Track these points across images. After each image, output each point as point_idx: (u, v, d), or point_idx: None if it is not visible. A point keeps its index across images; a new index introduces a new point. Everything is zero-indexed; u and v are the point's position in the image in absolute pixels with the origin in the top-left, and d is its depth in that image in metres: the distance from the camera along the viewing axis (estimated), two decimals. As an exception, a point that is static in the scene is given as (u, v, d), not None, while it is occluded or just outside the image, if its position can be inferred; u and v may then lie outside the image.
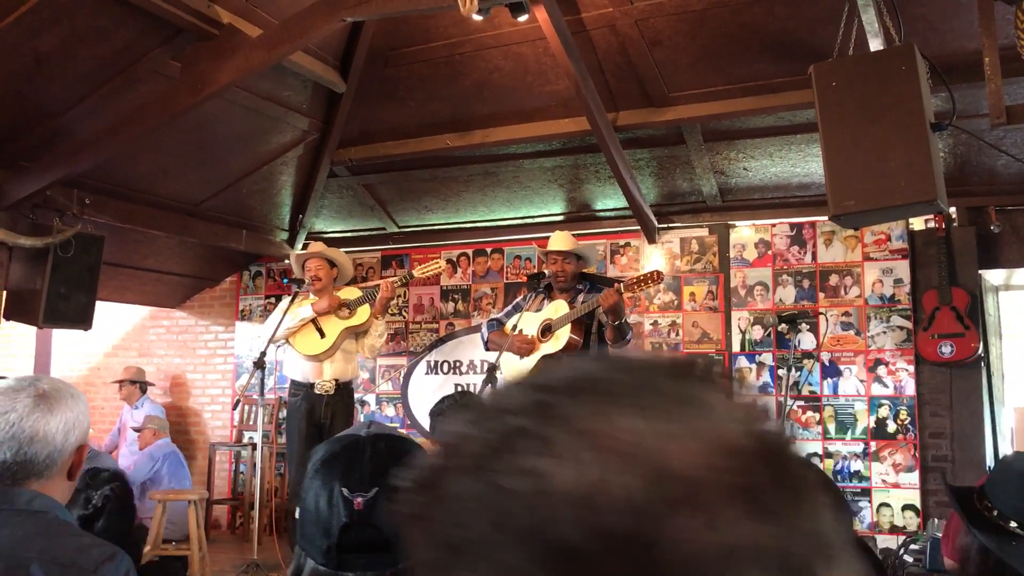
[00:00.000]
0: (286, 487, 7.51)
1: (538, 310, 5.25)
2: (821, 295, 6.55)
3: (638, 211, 6.75)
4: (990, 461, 6.00)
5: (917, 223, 6.38)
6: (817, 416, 6.45)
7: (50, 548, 1.55)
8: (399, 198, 7.67)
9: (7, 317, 5.89)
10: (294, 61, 5.75)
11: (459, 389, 7.26)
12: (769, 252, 6.76)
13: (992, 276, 6.44)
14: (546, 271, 5.31)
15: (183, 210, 7.02)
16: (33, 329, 7.23)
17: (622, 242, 7.25)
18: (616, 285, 4.85)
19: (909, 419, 6.21)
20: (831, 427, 6.40)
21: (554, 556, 0.41)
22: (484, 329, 5.52)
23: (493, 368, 4.81)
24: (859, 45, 4.21)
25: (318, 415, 5.62)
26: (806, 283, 6.61)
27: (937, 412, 6.19)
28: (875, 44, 4.29)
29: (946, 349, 5.98)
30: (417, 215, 7.84)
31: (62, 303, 5.90)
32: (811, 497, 0.47)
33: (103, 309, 7.76)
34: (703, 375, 0.49)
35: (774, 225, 6.78)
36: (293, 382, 5.89)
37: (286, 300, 5.89)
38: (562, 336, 5.00)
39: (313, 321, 5.80)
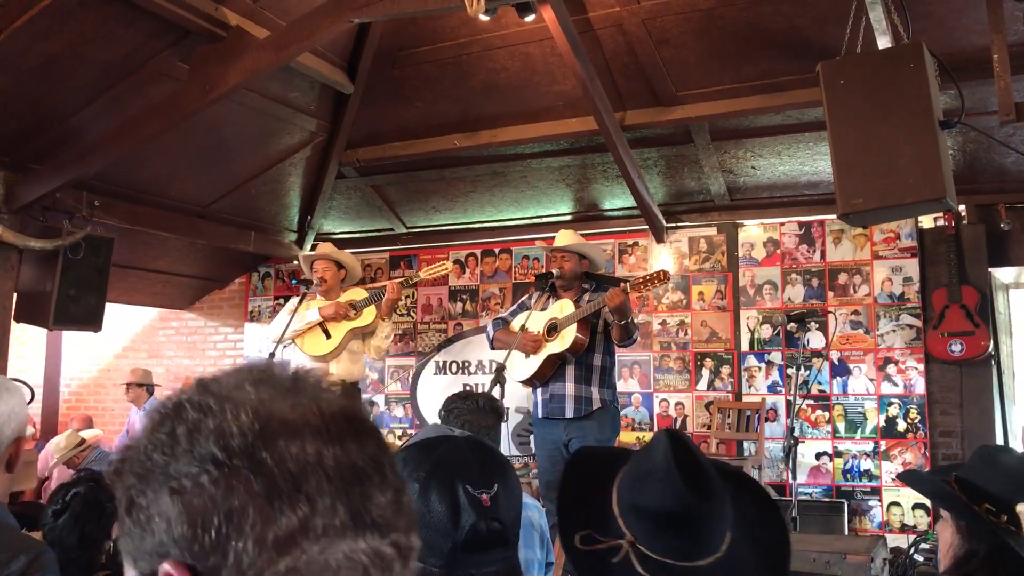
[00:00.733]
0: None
1: (544, 309, 5.25)
2: (830, 294, 6.54)
3: (646, 210, 6.74)
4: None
5: (926, 221, 6.36)
6: (827, 415, 6.43)
7: None
8: (407, 199, 7.67)
9: (17, 319, 5.91)
10: (301, 62, 5.75)
11: (466, 389, 7.26)
12: (778, 251, 6.75)
13: (1002, 274, 6.41)
14: (552, 270, 5.31)
15: (192, 212, 7.03)
16: (43, 331, 7.26)
17: (630, 241, 7.24)
18: (622, 285, 4.84)
19: (919, 418, 6.19)
20: (841, 426, 6.39)
21: (209, 462, 0.73)
22: (490, 328, 5.52)
23: (501, 368, 4.81)
24: (867, 43, 4.19)
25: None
26: (815, 282, 6.60)
27: (947, 411, 6.16)
28: (883, 42, 4.27)
29: (956, 347, 5.96)
30: (425, 215, 7.84)
31: (72, 305, 5.92)
32: (368, 435, 0.79)
33: (113, 311, 7.79)
34: (298, 374, 0.82)
35: (783, 224, 6.77)
36: (301, 383, 5.88)
37: (294, 300, 5.90)
38: (568, 335, 5.00)
39: (320, 323, 5.81)
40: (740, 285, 6.81)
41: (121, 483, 0.77)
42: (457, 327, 7.75)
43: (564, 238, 5.27)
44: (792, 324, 6.42)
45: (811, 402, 6.46)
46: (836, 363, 6.45)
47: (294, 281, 6.38)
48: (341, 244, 7.48)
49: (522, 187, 7.18)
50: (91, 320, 6.12)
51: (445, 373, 7.73)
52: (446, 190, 7.42)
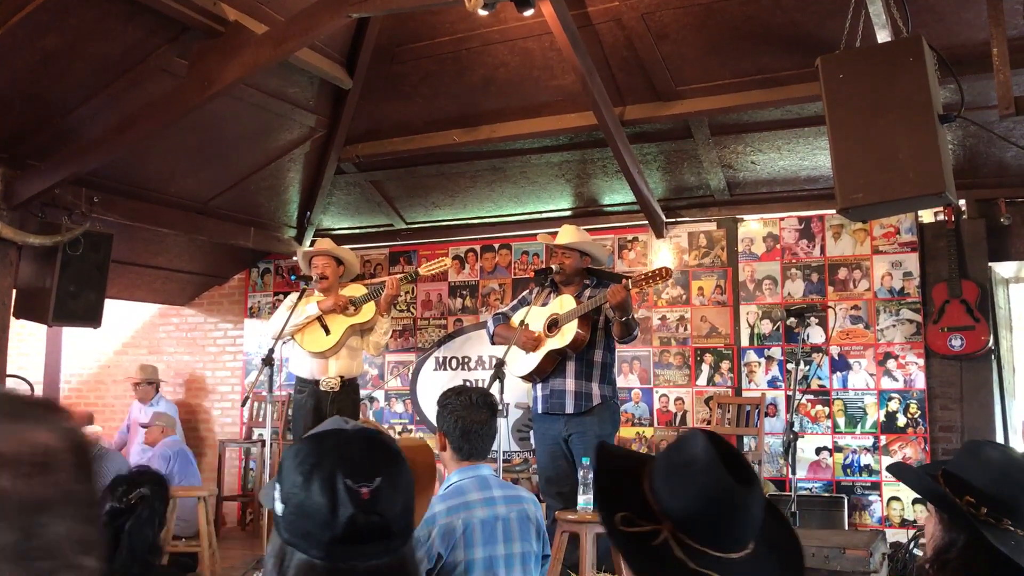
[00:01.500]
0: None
1: (544, 304, 5.24)
2: (830, 289, 6.53)
3: (646, 206, 6.74)
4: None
5: (926, 216, 6.35)
6: (827, 410, 6.43)
7: None
8: (406, 194, 7.67)
9: (17, 315, 5.91)
10: (300, 58, 5.74)
11: (464, 384, 7.26)
12: (778, 246, 6.74)
13: (1002, 268, 6.40)
14: (552, 266, 5.30)
15: (191, 208, 7.03)
16: (43, 327, 7.26)
17: (630, 237, 7.24)
18: (624, 281, 4.83)
19: (919, 413, 6.19)
20: (841, 421, 6.39)
21: None
22: (490, 323, 5.51)
23: (500, 363, 4.81)
24: (866, 37, 4.17)
25: (324, 412, 5.62)
26: (815, 277, 6.59)
27: (947, 405, 6.16)
28: (882, 36, 4.26)
29: (956, 342, 5.96)
30: (425, 211, 7.84)
31: (71, 301, 5.92)
32: (61, 468, 0.90)
33: (113, 307, 7.79)
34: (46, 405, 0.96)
35: (782, 219, 6.76)
36: (299, 379, 5.90)
37: (293, 296, 5.90)
38: (568, 331, 4.99)
39: (319, 318, 5.81)
40: (740, 280, 6.81)
41: None
42: (457, 323, 7.75)
43: (567, 234, 5.26)
44: (792, 319, 6.43)
45: (811, 397, 6.46)
46: (836, 358, 6.45)
47: (293, 277, 6.37)
48: (340, 240, 7.48)
49: (521, 183, 7.17)
50: (90, 316, 6.11)
51: (445, 369, 7.74)
52: (445, 186, 7.41)
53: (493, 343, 5.49)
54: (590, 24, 5.57)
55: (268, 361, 5.36)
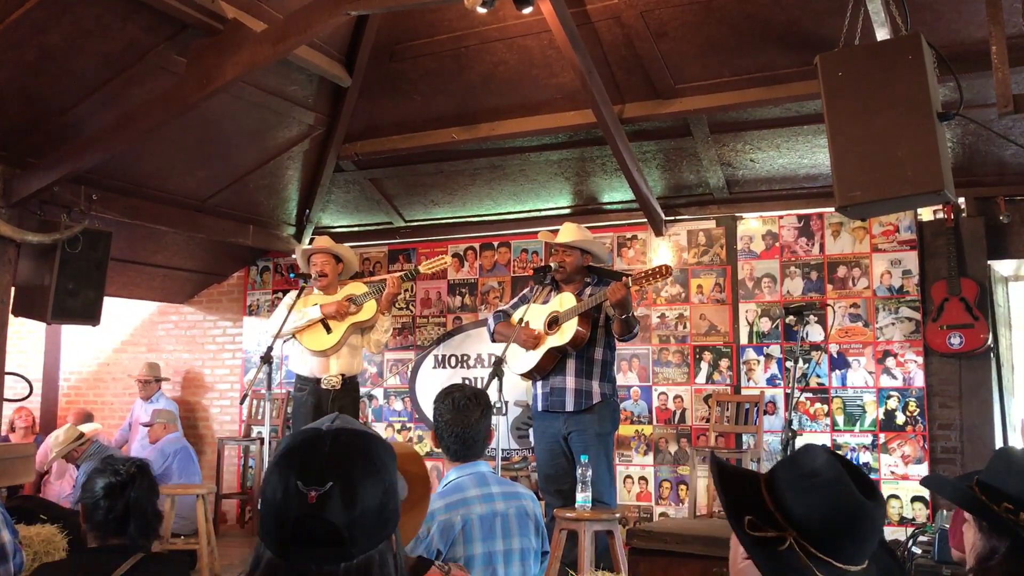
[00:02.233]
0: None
1: (545, 302, 5.23)
2: (829, 287, 6.53)
3: (645, 204, 6.74)
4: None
5: (926, 214, 6.35)
6: (825, 408, 6.43)
7: None
8: (405, 192, 7.67)
9: (16, 313, 5.90)
10: (299, 56, 5.74)
11: (459, 382, 7.26)
12: (777, 244, 6.74)
13: (1001, 267, 6.40)
14: (552, 263, 5.29)
15: (190, 206, 7.03)
16: (42, 325, 7.26)
17: (629, 235, 7.24)
18: (624, 279, 4.83)
19: (918, 411, 6.19)
20: (839, 419, 6.39)
21: None
22: (490, 321, 5.50)
23: (499, 361, 4.80)
24: (865, 35, 4.18)
25: (325, 410, 5.62)
26: (814, 275, 6.59)
27: (946, 403, 6.17)
28: (881, 34, 4.26)
29: (955, 340, 5.96)
30: (424, 209, 7.84)
31: (70, 299, 5.91)
32: None
33: (112, 305, 7.80)
34: None
35: (782, 217, 6.76)
36: (299, 377, 5.89)
37: (292, 295, 5.89)
38: (568, 329, 4.99)
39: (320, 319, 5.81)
40: (739, 278, 6.81)
41: None
42: (456, 321, 7.75)
43: (568, 232, 5.25)
44: (791, 317, 6.43)
45: (810, 395, 6.46)
46: (835, 356, 6.45)
47: (292, 275, 6.37)
48: (339, 238, 7.49)
49: (521, 180, 7.17)
50: (89, 314, 6.10)
51: (444, 367, 7.74)
52: (444, 183, 7.41)
53: (494, 340, 5.49)
54: (589, 22, 5.57)
55: (267, 359, 5.36)
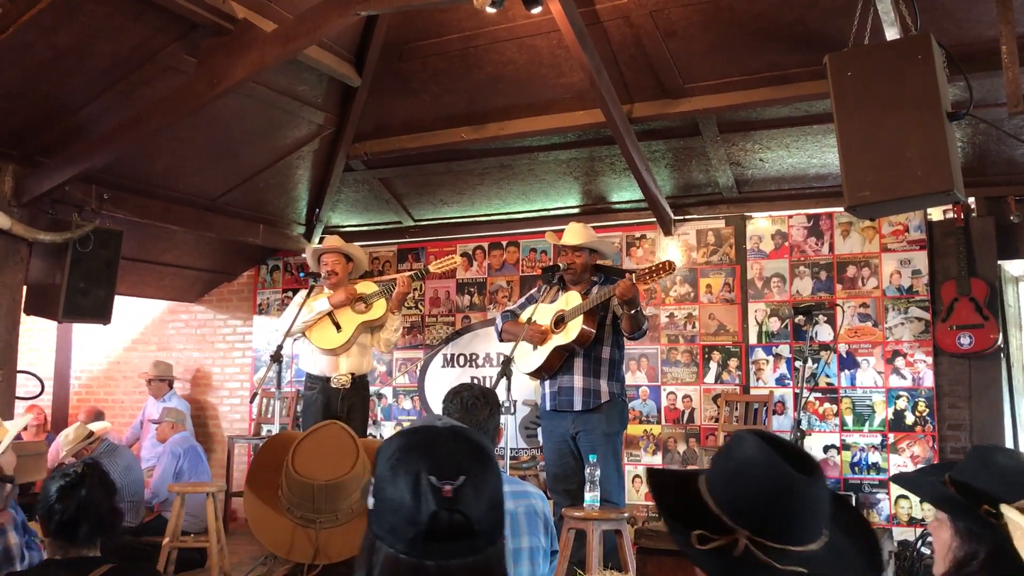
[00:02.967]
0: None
1: (552, 301, 5.24)
2: (838, 286, 6.52)
3: (654, 203, 6.74)
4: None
5: (935, 213, 6.34)
6: (835, 408, 6.42)
7: None
8: (415, 192, 7.68)
9: (27, 311, 5.93)
10: (309, 55, 5.76)
11: (468, 382, 7.27)
12: (786, 243, 6.73)
13: (1011, 267, 6.38)
14: (560, 263, 5.29)
15: (201, 205, 7.06)
16: (54, 323, 7.30)
17: (638, 234, 7.24)
18: (628, 276, 4.84)
19: (927, 411, 6.18)
20: (848, 419, 6.38)
21: None
22: (499, 320, 5.52)
23: (508, 360, 4.81)
24: (875, 34, 4.17)
25: (335, 409, 5.64)
26: (823, 274, 6.58)
27: (956, 404, 6.15)
28: (891, 33, 4.25)
29: (965, 340, 5.94)
30: (433, 208, 7.85)
31: (81, 298, 5.94)
32: None
33: (122, 303, 7.83)
34: None
35: (791, 216, 6.76)
36: (309, 376, 5.91)
37: (302, 294, 5.91)
38: (574, 327, 4.99)
39: (329, 315, 5.82)
40: (748, 278, 6.80)
41: None
42: (465, 320, 7.76)
43: (575, 234, 5.24)
44: (800, 317, 6.41)
45: (819, 395, 6.46)
46: (844, 356, 6.44)
47: (302, 274, 6.38)
48: (349, 237, 7.50)
49: (529, 180, 7.18)
50: (100, 313, 6.13)
51: (453, 366, 7.75)
52: (453, 183, 7.42)
53: (501, 340, 5.50)
54: (598, 22, 5.57)
55: (277, 358, 5.38)
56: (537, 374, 5.22)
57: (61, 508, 2.59)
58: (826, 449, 6.39)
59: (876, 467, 6.25)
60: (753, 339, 6.74)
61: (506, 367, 4.75)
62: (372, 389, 7.74)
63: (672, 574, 4.52)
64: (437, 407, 7.62)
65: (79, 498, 2.60)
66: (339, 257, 5.95)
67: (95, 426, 6.60)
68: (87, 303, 6.00)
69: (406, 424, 7.82)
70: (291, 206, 7.73)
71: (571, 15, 5.19)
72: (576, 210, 7.39)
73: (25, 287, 5.86)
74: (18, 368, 5.88)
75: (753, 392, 6.66)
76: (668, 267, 4.86)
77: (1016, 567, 1.65)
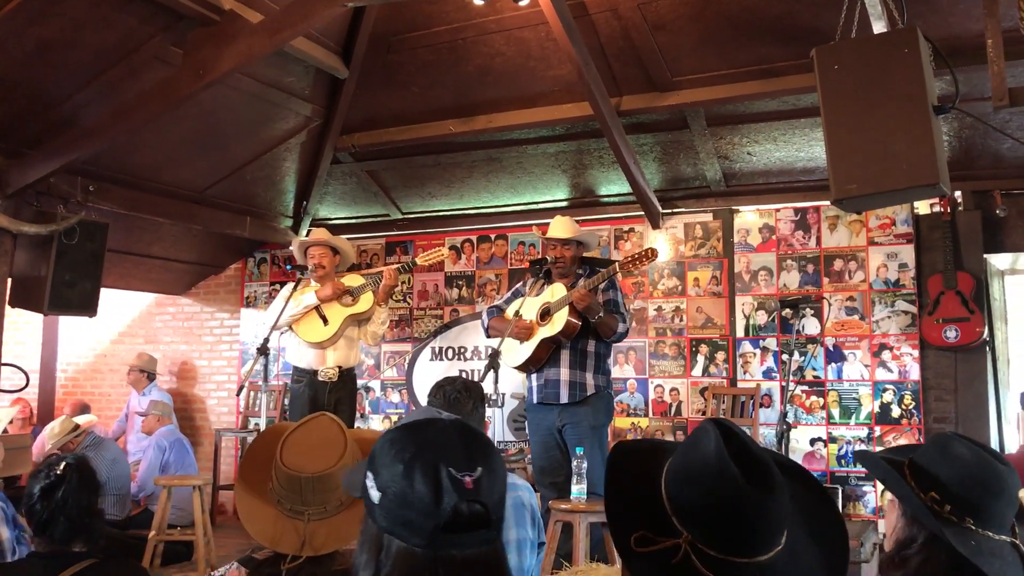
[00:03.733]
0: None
1: (539, 294, 5.25)
2: (825, 280, 6.54)
3: (642, 196, 6.74)
4: (995, 445, 5.99)
5: (922, 207, 6.36)
6: (821, 401, 6.44)
7: None
8: (403, 184, 7.66)
9: (12, 304, 5.90)
10: (296, 47, 5.74)
11: (452, 375, 7.27)
12: (773, 237, 6.75)
13: (998, 260, 6.42)
14: (548, 257, 5.30)
15: (187, 197, 7.02)
16: (40, 316, 7.26)
17: (626, 227, 7.24)
18: (612, 266, 4.86)
19: (914, 404, 6.21)
20: (835, 412, 6.40)
21: None
22: (484, 316, 5.53)
23: (495, 354, 4.81)
24: (862, 28, 4.17)
25: (322, 402, 5.63)
26: (810, 268, 6.60)
27: (942, 397, 6.18)
28: (878, 27, 4.26)
29: (951, 334, 5.97)
30: (421, 201, 7.84)
31: (67, 290, 5.91)
32: None
33: (109, 296, 7.79)
34: None
35: (778, 210, 6.77)
36: (296, 369, 5.90)
37: (289, 287, 5.89)
38: (560, 319, 5.00)
39: (316, 308, 5.81)
40: (735, 271, 6.82)
41: None
42: (453, 313, 7.75)
43: (563, 227, 5.25)
44: (787, 310, 6.43)
45: (806, 388, 6.48)
46: (831, 349, 6.46)
47: (289, 267, 6.36)
48: (337, 230, 7.48)
49: (518, 173, 7.17)
50: (86, 305, 6.10)
51: (441, 359, 7.74)
52: (442, 176, 7.41)
53: (488, 336, 5.51)
54: (586, 14, 5.57)
55: (263, 351, 5.36)
56: (524, 367, 5.22)
57: (41, 508, 2.58)
58: (813, 442, 6.42)
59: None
60: (740, 332, 6.76)
61: (494, 361, 4.75)
62: (360, 382, 7.74)
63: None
64: (424, 400, 7.62)
65: (56, 499, 2.59)
66: (326, 250, 5.93)
67: (81, 419, 6.58)
68: (73, 295, 5.97)
69: (394, 417, 7.82)
70: (278, 199, 7.70)
71: (559, 7, 5.18)
72: (564, 203, 7.39)
73: (10, 279, 5.83)
74: (3, 361, 5.86)
75: (740, 385, 6.68)
76: (651, 255, 4.88)
77: (952, 555, 1.65)
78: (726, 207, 6.91)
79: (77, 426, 6.38)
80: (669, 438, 6.87)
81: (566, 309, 4.98)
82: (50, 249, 5.75)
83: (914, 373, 6.23)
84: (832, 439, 6.39)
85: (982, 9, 4.15)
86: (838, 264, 6.52)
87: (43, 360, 8.92)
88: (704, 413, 6.70)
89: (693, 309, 6.91)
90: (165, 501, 5.94)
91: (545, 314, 5.12)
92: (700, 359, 6.85)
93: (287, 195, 7.70)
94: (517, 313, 5.15)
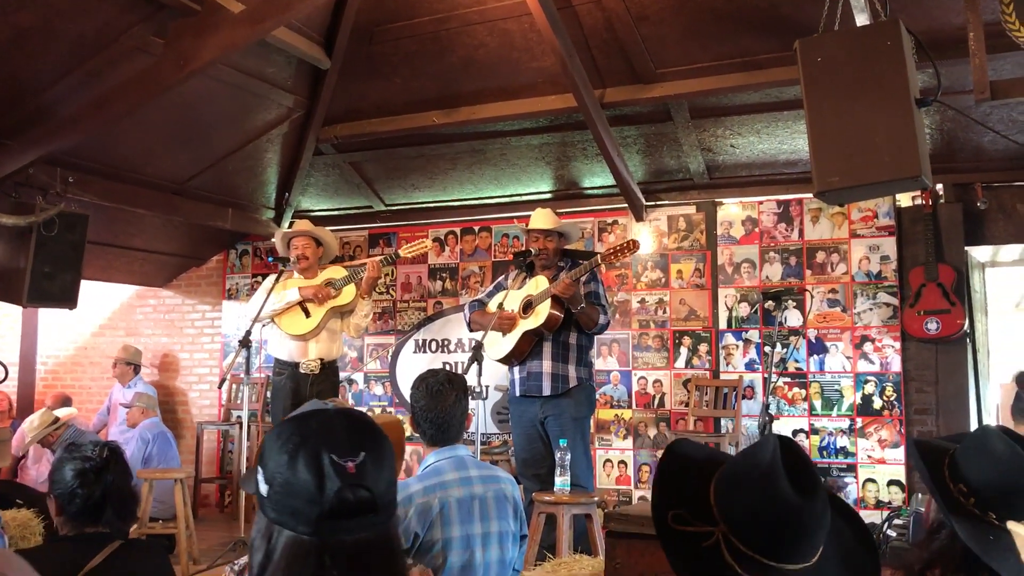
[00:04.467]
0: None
1: (521, 287, 5.25)
2: (808, 272, 6.57)
3: (625, 189, 6.74)
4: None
5: (904, 200, 6.39)
6: (803, 392, 6.47)
7: None
8: (386, 176, 7.63)
9: (-9, 296, 5.86)
10: (278, 37, 5.69)
11: (445, 367, 7.26)
12: (756, 229, 6.76)
13: (978, 253, 6.46)
14: (531, 249, 5.29)
15: (169, 188, 6.97)
16: (19, 308, 7.20)
17: (609, 220, 7.24)
18: (594, 258, 4.86)
19: (895, 395, 6.24)
20: (817, 404, 6.43)
21: None
22: (466, 310, 5.53)
23: (479, 347, 4.81)
24: (845, 20, 4.18)
25: (303, 394, 5.60)
26: (793, 260, 6.62)
27: (923, 388, 6.22)
28: (861, 19, 4.27)
29: (932, 325, 6.00)
30: (404, 193, 7.81)
31: (47, 282, 5.86)
32: None
33: (90, 288, 7.74)
34: None
35: (761, 202, 6.78)
36: (278, 361, 5.87)
37: (271, 279, 5.86)
38: (542, 311, 5.00)
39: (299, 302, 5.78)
40: (719, 263, 6.83)
41: None
42: (437, 305, 7.74)
43: (545, 218, 5.25)
44: (769, 302, 6.45)
45: (788, 380, 6.50)
46: (813, 341, 6.49)
47: (271, 259, 6.32)
48: (320, 222, 7.46)
49: (502, 165, 7.15)
50: (66, 297, 6.06)
51: (425, 351, 7.73)
52: (425, 167, 7.38)
53: (471, 330, 5.50)
54: (570, 5, 5.55)
55: (245, 343, 5.34)
56: (507, 360, 5.21)
57: (84, 493, 2.58)
58: (795, 433, 6.44)
59: (844, 451, 6.32)
60: (723, 324, 6.78)
61: (477, 353, 4.74)
62: (344, 375, 7.73)
63: (641, 558, 4.54)
64: (408, 392, 7.60)
65: (105, 483, 2.61)
66: (309, 241, 5.90)
67: (61, 412, 6.53)
68: (53, 287, 5.93)
69: (378, 410, 7.80)
70: (260, 190, 7.65)
71: (543, -2, 5.17)
72: (548, 195, 7.38)
73: (-11, 271, 5.77)
74: (-18, 353, 5.80)
75: (723, 377, 6.70)
76: (632, 246, 4.89)
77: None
78: (709, 199, 6.92)
79: (57, 419, 6.34)
80: (652, 430, 6.88)
81: (548, 301, 4.98)
82: (29, 241, 5.71)
83: (895, 365, 6.27)
84: (814, 430, 6.42)
85: (964, 2, 4.16)
86: (820, 256, 6.55)
87: (23, 353, 8.84)
88: (687, 405, 6.72)
89: (676, 301, 6.92)
90: (146, 494, 5.90)
91: (527, 307, 5.11)
92: (683, 351, 6.86)
93: (269, 187, 7.66)
94: (500, 306, 5.14)
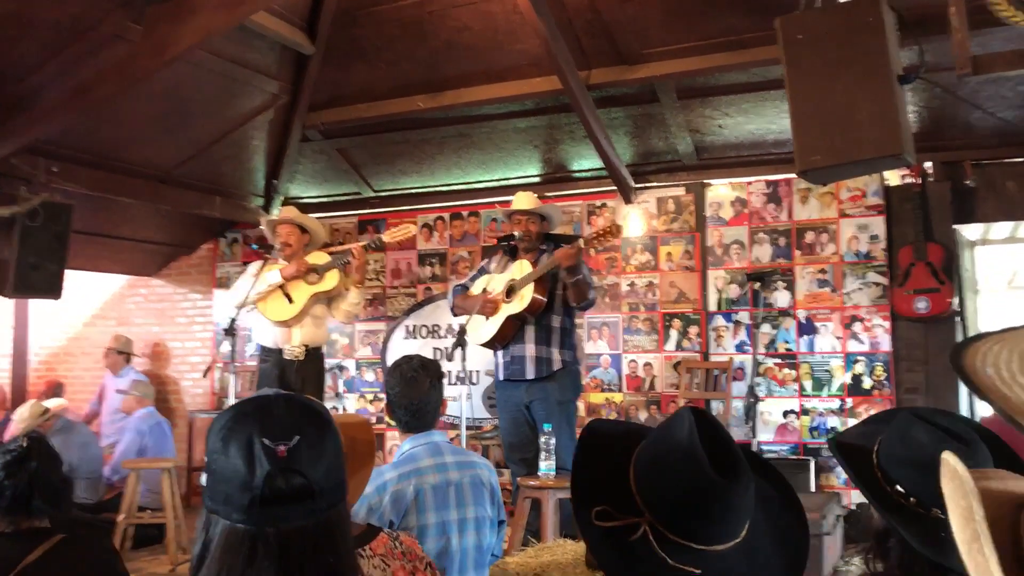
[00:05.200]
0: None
1: (504, 271, 5.23)
2: (797, 252, 6.53)
3: (613, 171, 6.70)
4: (966, 413, 6.02)
5: (893, 179, 6.34)
6: (793, 373, 6.45)
7: None
8: (373, 162, 7.59)
9: (-25, 288, 5.83)
10: (259, 23, 5.65)
11: (435, 352, 7.25)
12: (745, 210, 6.73)
13: (967, 231, 6.42)
14: (515, 232, 5.27)
15: (155, 177, 6.92)
16: (11, 300, 7.18)
17: (598, 203, 7.20)
18: (577, 242, 4.83)
19: (885, 375, 6.22)
20: (807, 384, 6.41)
21: None
22: (450, 295, 5.53)
23: (462, 331, 4.80)
24: (826, -3, 4.15)
25: (289, 380, 5.60)
26: (782, 241, 6.59)
27: (912, 367, 6.20)
28: (843, -4, 4.23)
29: (921, 305, 5.98)
30: (392, 179, 7.77)
31: (31, 273, 5.84)
32: None
33: (80, 279, 7.71)
34: None
35: (750, 183, 6.74)
36: (263, 348, 5.86)
37: (255, 265, 5.85)
38: (526, 295, 4.98)
39: (281, 287, 5.75)
40: (708, 245, 6.80)
41: None
42: (426, 291, 7.71)
43: (527, 200, 5.24)
44: (758, 283, 6.43)
45: (778, 360, 6.48)
46: (803, 322, 6.47)
47: (254, 246, 6.28)
48: (309, 209, 7.42)
49: (489, 149, 7.11)
50: (51, 288, 6.03)
51: (415, 337, 7.71)
52: (412, 152, 7.34)
53: (455, 315, 5.49)
54: (553, -14, 5.50)
55: (230, 331, 5.32)
56: (490, 344, 5.20)
57: (12, 483, 2.54)
58: (786, 414, 6.43)
59: (835, 431, 6.30)
60: (713, 306, 6.75)
61: (461, 338, 4.73)
62: (335, 361, 7.72)
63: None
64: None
65: (29, 471, 2.56)
66: (293, 228, 5.88)
67: (51, 403, 6.52)
68: (38, 278, 5.90)
69: (369, 396, 7.79)
70: (248, 177, 7.61)
71: (524, -21, 5.12)
72: (536, 179, 7.34)
73: (-28, 263, 5.74)
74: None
75: (713, 359, 6.68)
76: (615, 230, 4.87)
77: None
78: (698, 181, 6.88)
79: (47, 410, 6.32)
80: (643, 413, 6.87)
81: (531, 286, 4.96)
82: (13, 231, 5.68)
83: (885, 344, 6.25)
84: (805, 411, 6.41)
85: (946, -23, 4.12)
86: (809, 236, 6.51)
87: (15, 344, 8.81)
88: (677, 387, 6.70)
89: (666, 284, 6.89)
90: (134, 484, 5.90)
91: (511, 291, 5.09)
92: (673, 333, 6.84)
93: (257, 174, 7.61)
94: (485, 291, 5.13)
